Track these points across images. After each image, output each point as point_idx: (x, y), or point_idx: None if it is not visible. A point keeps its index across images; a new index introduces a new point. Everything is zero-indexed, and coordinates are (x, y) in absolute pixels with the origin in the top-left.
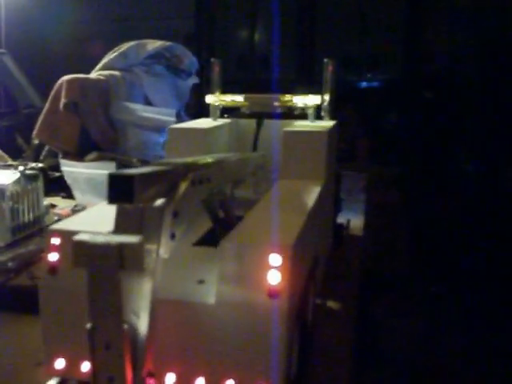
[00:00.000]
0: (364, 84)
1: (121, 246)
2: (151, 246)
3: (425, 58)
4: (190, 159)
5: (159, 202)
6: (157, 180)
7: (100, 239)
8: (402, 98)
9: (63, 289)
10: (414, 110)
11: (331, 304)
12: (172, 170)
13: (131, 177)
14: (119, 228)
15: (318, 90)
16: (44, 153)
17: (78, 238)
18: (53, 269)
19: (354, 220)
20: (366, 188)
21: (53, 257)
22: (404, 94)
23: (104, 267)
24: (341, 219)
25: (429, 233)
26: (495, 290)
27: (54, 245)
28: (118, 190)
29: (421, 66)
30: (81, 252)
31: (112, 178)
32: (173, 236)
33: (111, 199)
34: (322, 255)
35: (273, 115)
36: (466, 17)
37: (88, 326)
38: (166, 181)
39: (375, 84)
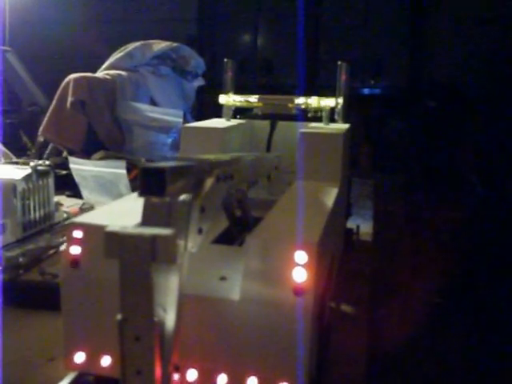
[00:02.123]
0: (367, 91)
1: (154, 238)
2: (179, 240)
3: (428, 66)
4: (212, 156)
5: (183, 197)
6: (185, 174)
7: (132, 231)
8: (405, 106)
9: (85, 282)
10: (416, 117)
11: (344, 307)
12: (198, 165)
13: (163, 170)
14: (147, 222)
15: (322, 95)
16: (48, 151)
17: (109, 229)
18: (74, 262)
19: (362, 226)
20: (373, 195)
21: (75, 250)
22: (407, 102)
23: (136, 259)
24: (350, 224)
25: (434, 241)
26: (502, 302)
27: (75, 238)
28: (150, 183)
29: (424, 75)
30: (112, 243)
31: (144, 171)
32: (200, 231)
33: (143, 192)
34: (336, 257)
35: (286, 117)
36: (470, 26)
37: (118, 317)
38: (193, 176)
39: (378, 91)
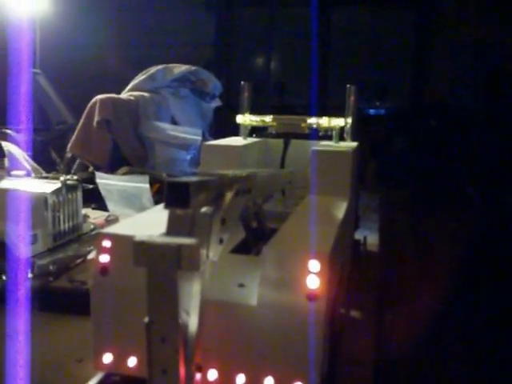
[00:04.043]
0: (373, 111)
1: (179, 247)
2: (201, 250)
3: (430, 88)
4: (231, 172)
5: (205, 209)
6: (207, 188)
7: (159, 240)
8: (409, 125)
9: (113, 288)
10: (419, 135)
11: (353, 313)
12: (219, 180)
13: (187, 184)
14: (171, 232)
15: (330, 116)
16: (75, 166)
17: (137, 239)
18: (104, 269)
19: (369, 237)
20: (379, 208)
21: (104, 258)
22: (410, 121)
23: (162, 266)
24: (358, 236)
25: (437, 250)
26: (504, 308)
27: (105, 247)
28: (175, 196)
29: (426, 96)
30: (140, 252)
31: (170, 185)
32: (221, 241)
33: (168, 204)
34: (345, 266)
35: (299, 135)
36: (470, 50)
37: (145, 320)
38: (214, 189)
39: (383, 111)
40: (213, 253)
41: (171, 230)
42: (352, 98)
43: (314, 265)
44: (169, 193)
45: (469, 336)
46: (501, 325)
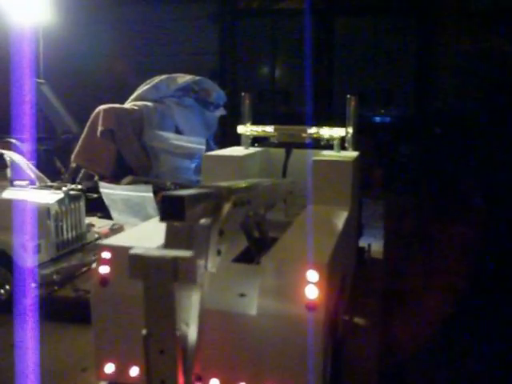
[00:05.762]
0: (378, 119)
1: (175, 260)
2: (199, 261)
3: (434, 96)
4: (230, 183)
5: (203, 221)
6: (203, 201)
7: (155, 253)
8: (414, 132)
9: (113, 299)
10: (424, 142)
11: (358, 320)
12: (216, 192)
13: (182, 197)
14: (169, 244)
15: (335, 124)
16: (80, 176)
17: (133, 251)
18: (104, 280)
19: (374, 244)
20: (383, 215)
21: (104, 269)
22: (415, 128)
23: (159, 279)
24: (362, 243)
25: (441, 256)
26: (509, 316)
27: (105, 258)
28: (171, 209)
29: (430, 104)
30: (137, 264)
31: (165, 199)
32: (219, 252)
33: (164, 217)
34: (348, 274)
35: (300, 145)
36: (472, 60)
37: (143, 332)
38: (211, 202)
39: (388, 119)
40: (211, 264)
41: (169, 242)
42: (352, 108)
43: (313, 275)
44: (164, 206)
45: (471, 343)
46: (507, 330)
